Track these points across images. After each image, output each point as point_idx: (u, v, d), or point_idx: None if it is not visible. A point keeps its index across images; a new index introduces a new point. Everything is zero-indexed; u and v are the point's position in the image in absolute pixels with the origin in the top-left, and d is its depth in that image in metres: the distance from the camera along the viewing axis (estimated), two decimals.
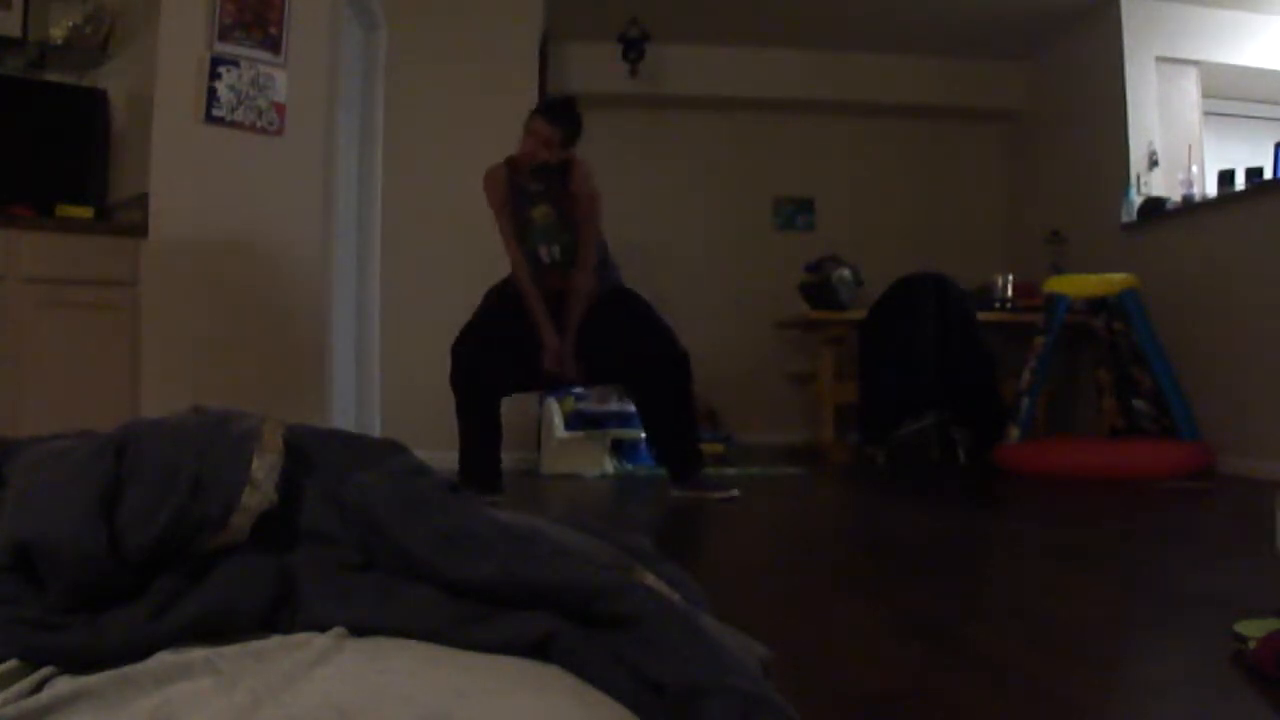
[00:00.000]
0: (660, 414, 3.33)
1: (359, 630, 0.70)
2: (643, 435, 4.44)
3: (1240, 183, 4.22)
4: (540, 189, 3.24)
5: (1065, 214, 5.46)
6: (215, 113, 3.10)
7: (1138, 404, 4.32)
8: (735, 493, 3.35)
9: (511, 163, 3.30)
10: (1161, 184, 4.83)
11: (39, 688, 0.64)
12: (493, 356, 3.25)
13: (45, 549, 0.71)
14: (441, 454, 3.45)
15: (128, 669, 0.64)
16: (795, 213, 6.28)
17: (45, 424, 1.24)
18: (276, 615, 0.72)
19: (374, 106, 4.35)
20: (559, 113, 3.19)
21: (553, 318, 3.27)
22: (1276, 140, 4.26)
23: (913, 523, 3.02)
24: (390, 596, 0.74)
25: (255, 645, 0.67)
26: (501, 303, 3.34)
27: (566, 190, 3.23)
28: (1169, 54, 4.98)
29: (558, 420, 4.20)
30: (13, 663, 0.66)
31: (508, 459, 4.28)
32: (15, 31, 3.23)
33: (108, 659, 0.66)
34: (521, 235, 3.29)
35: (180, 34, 3.06)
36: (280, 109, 3.23)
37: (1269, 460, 3.85)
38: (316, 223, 3.39)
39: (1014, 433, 4.37)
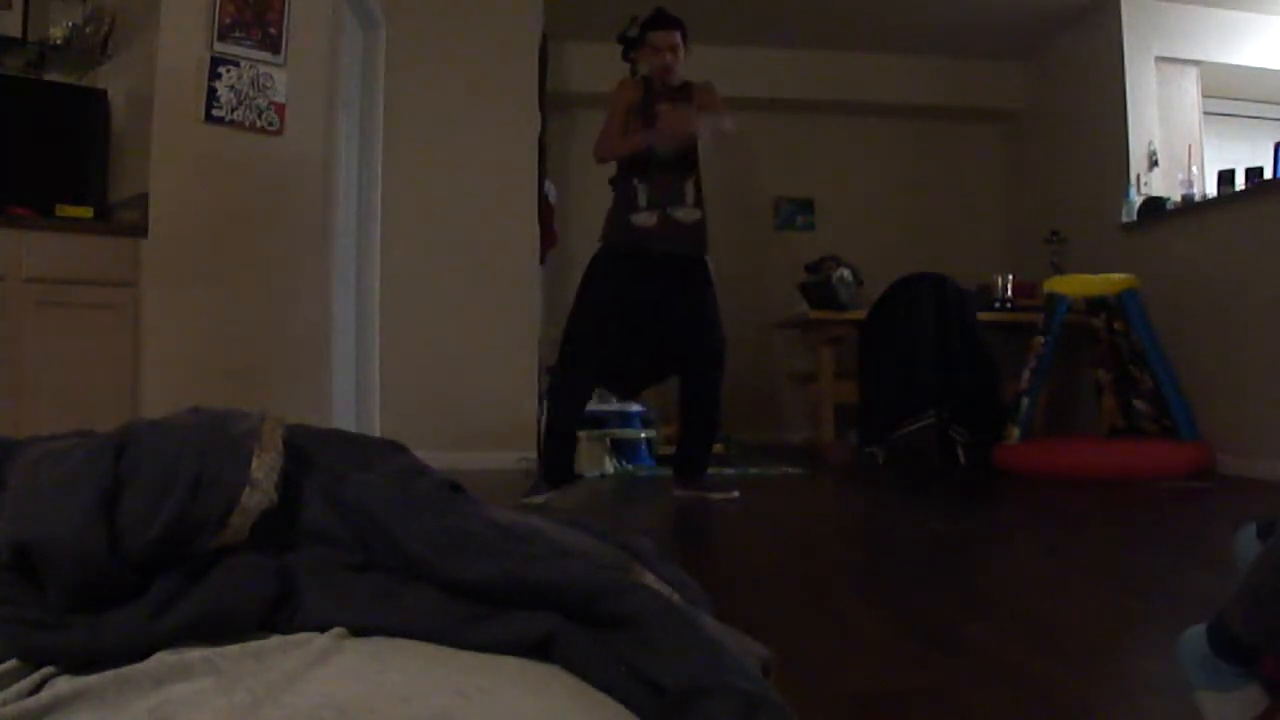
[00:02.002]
0: (696, 411, 3.38)
1: (359, 630, 0.70)
2: (643, 435, 4.45)
3: (1240, 183, 4.22)
4: (672, 96, 3.32)
5: (1065, 214, 5.46)
6: (215, 113, 3.10)
7: (1138, 404, 4.32)
8: (735, 493, 3.35)
9: (647, 80, 3.40)
10: (1161, 184, 4.83)
11: (38, 688, 0.64)
12: (609, 331, 3.19)
13: (45, 549, 0.71)
14: (442, 454, 3.46)
15: (127, 669, 0.64)
16: (795, 213, 6.28)
17: (45, 424, 1.24)
18: (276, 615, 0.71)
19: (374, 106, 4.34)
20: (668, 17, 3.34)
21: (667, 204, 3.21)
22: (1276, 140, 4.25)
23: (913, 523, 3.02)
24: (390, 596, 0.74)
25: (255, 645, 0.67)
26: (609, 272, 3.22)
27: (690, 104, 3.30)
28: (1169, 54, 4.98)
29: None
30: (12, 663, 0.66)
31: (507, 458, 4.31)
32: (15, 31, 3.23)
33: (107, 659, 0.65)
34: (645, 125, 3.28)
35: (180, 34, 3.06)
36: (280, 109, 3.23)
37: (1269, 460, 3.85)
38: (316, 223, 3.39)
39: (1014, 433, 4.37)
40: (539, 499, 3.15)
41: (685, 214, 3.21)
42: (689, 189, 3.24)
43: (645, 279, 3.19)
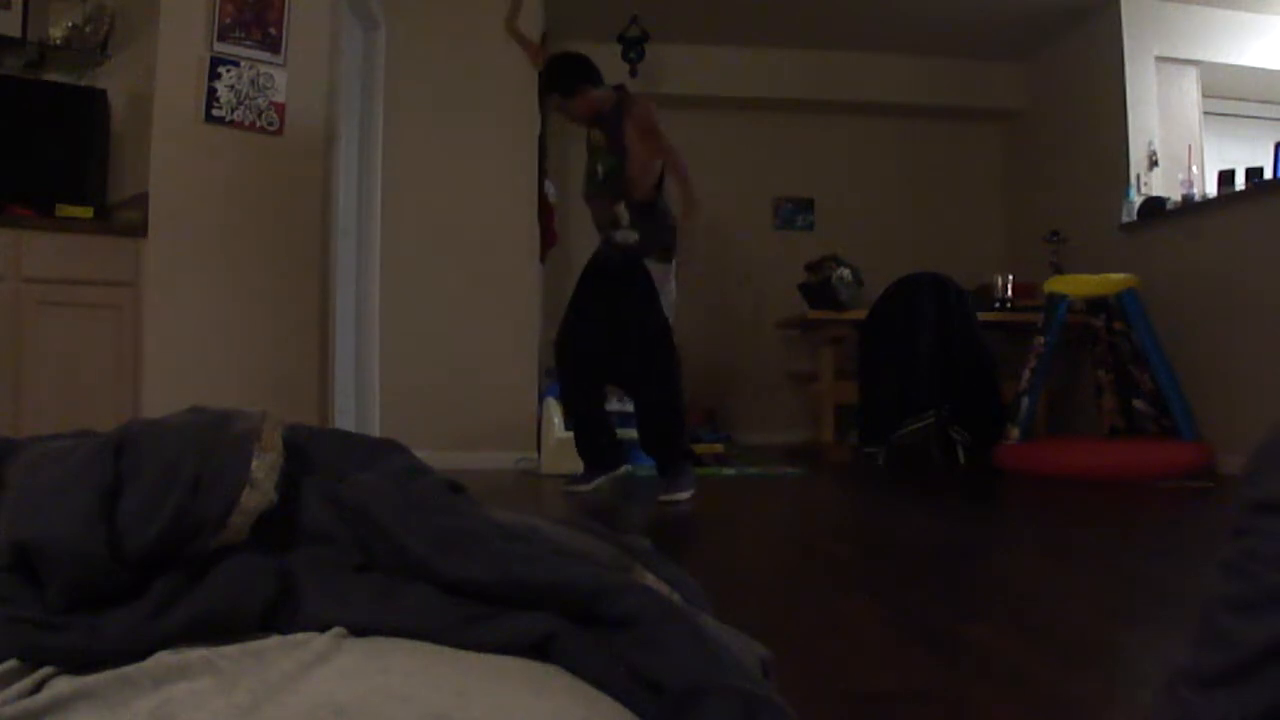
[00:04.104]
0: (646, 408, 3.51)
1: (359, 630, 0.70)
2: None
3: (1240, 183, 4.22)
4: (598, 122, 3.53)
5: (1065, 214, 5.46)
6: (215, 113, 3.10)
7: (1138, 404, 4.31)
8: (685, 495, 3.34)
9: None
10: (1161, 184, 4.83)
11: (38, 688, 0.64)
12: (582, 329, 3.50)
13: (45, 549, 0.71)
14: (442, 454, 3.46)
15: (127, 669, 0.64)
16: (795, 213, 6.28)
17: (45, 424, 1.24)
18: (276, 615, 0.71)
19: (374, 106, 4.34)
20: (543, 85, 3.67)
21: (608, 228, 3.50)
22: (1276, 140, 4.25)
23: (913, 523, 3.02)
24: (390, 596, 0.74)
25: (255, 645, 0.67)
26: (583, 277, 3.60)
27: (620, 125, 3.47)
28: (1169, 54, 4.97)
29: (557, 420, 4.20)
30: (12, 663, 0.66)
31: (507, 458, 4.31)
32: (15, 31, 3.23)
33: (107, 659, 0.65)
34: (588, 152, 3.61)
35: (180, 34, 3.06)
36: (280, 109, 3.23)
37: None
38: (316, 223, 3.39)
39: (1014, 433, 4.37)
40: (583, 487, 3.53)
41: (623, 237, 3.45)
42: (621, 212, 3.45)
43: (594, 278, 3.55)
